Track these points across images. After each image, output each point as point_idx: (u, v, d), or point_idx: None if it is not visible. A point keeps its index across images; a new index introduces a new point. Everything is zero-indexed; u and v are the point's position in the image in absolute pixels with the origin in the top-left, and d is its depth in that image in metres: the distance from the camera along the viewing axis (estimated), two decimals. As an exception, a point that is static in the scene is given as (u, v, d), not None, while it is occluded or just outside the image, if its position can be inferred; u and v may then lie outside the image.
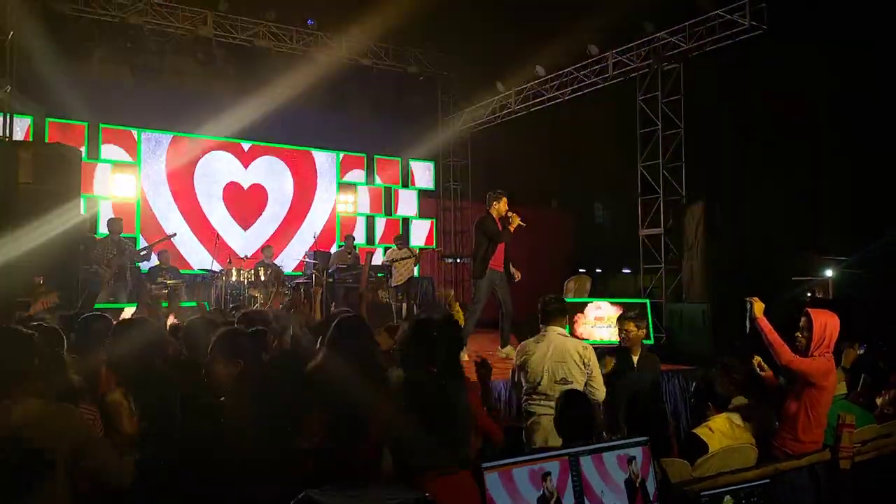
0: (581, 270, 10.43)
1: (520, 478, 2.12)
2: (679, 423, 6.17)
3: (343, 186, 13.87)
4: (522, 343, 4.66)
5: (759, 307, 3.95)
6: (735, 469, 3.37)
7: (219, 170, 12.66)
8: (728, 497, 2.46)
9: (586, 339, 6.87)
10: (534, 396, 4.40)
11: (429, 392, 2.84)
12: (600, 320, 7.74)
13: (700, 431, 3.78)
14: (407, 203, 14.71)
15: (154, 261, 10.21)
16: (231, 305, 8.34)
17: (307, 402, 2.91)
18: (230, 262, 10.40)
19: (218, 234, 10.48)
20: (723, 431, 3.74)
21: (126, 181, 11.47)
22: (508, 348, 7.00)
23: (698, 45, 9.70)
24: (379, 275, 10.61)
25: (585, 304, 7.94)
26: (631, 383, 4.87)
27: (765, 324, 3.92)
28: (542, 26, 11.66)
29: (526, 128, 13.71)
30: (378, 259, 11.70)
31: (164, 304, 6.44)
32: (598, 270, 15.67)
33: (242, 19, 11.98)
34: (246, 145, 12.89)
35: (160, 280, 9.52)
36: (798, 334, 3.97)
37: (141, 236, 11.43)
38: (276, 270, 10.34)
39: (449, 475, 2.60)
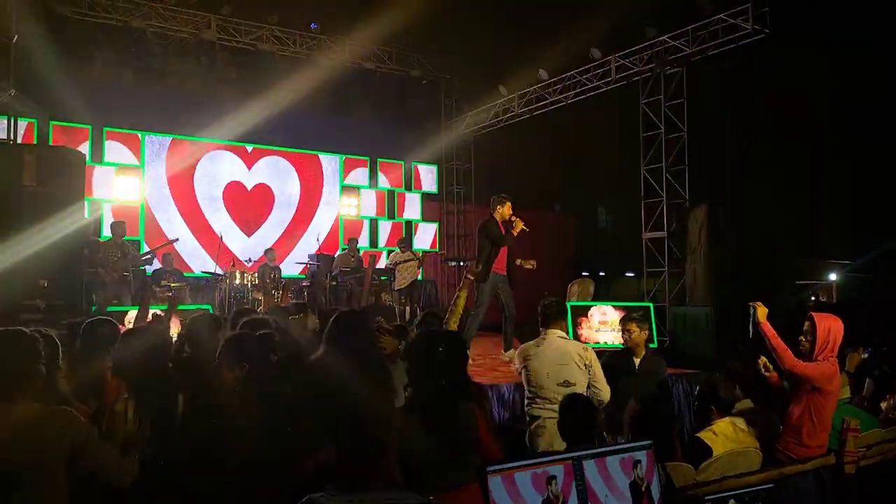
0: (584, 274, 10.39)
1: (523, 482, 2.12)
2: (683, 427, 6.15)
3: (346, 189, 13.88)
4: (522, 346, 4.66)
5: (762, 312, 3.92)
6: (739, 473, 3.37)
7: (220, 171, 12.66)
8: (732, 501, 2.45)
9: (590, 343, 6.86)
10: (537, 400, 4.38)
11: (439, 409, 2.85)
12: (604, 324, 7.74)
13: (704, 435, 3.77)
14: (410, 206, 14.74)
15: (157, 264, 10.23)
16: (234, 309, 8.34)
17: (307, 402, 2.91)
18: (233, 266, 10.42)
19: (221, 238, 10.45)
20: (727, 435, 3.74)
21: (130, 184, 11.47)
22: (511, 351, 6.99)
23: (701, 48, 9.71)
24: (382, 278, 10.62)
25: (589, 307, 7.94)
26: (632, 385, 4.86)
27: (768, 329, 3.90)
28: (544, 30, 11.67)
29: (529, 131, 13.72)
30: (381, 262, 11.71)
31: (164, 308, 6.42)
32: (601, 274, 15.63)
33: (245, 23, 12.00)
34: (249, 148, 12.91)
35: (164, 283, 9.53)
36: (802, 338, 3.94)
37: (144, 240, 11.46)
38: (279, 274, 10.34)
39: (457, 488, 2.60)
